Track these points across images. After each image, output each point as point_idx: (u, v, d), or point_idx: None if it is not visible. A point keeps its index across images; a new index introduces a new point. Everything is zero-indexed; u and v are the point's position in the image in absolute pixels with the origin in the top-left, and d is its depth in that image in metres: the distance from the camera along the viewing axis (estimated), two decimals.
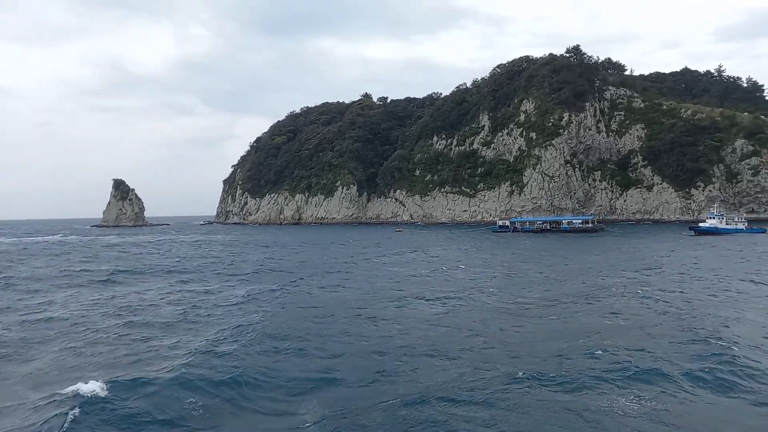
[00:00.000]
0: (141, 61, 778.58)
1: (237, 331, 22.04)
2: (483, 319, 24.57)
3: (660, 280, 35.99)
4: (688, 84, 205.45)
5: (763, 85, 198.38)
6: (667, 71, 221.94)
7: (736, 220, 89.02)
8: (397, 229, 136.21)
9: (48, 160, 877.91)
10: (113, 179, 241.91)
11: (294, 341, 20.49)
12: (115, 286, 38.11)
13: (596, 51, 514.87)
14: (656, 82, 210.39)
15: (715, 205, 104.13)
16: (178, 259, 61.19)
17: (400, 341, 20.41)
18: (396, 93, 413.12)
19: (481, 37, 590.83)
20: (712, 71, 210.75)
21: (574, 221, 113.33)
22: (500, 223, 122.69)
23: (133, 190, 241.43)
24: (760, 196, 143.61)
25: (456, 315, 25.75)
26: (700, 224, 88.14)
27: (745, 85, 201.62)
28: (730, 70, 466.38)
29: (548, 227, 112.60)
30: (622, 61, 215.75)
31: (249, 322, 23.81)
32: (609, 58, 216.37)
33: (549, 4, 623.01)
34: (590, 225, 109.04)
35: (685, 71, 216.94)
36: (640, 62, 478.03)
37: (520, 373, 16.03)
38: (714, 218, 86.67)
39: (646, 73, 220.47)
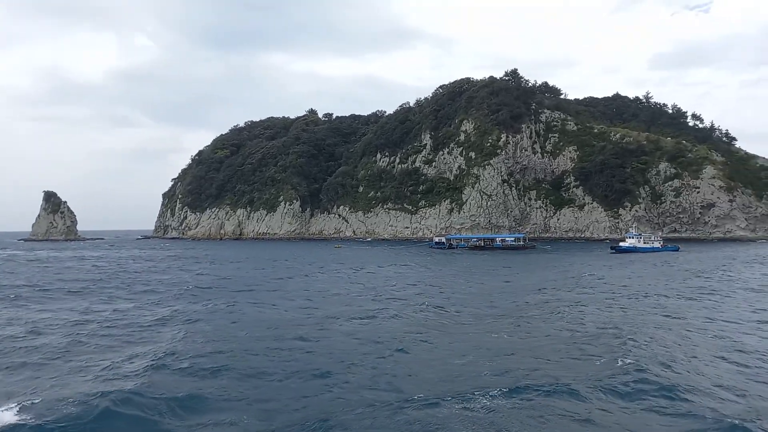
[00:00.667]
0: (82, 71, 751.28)
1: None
2: (401, 333, 25.09)
3: (578, 297, 37.46)
4: (619, 108, 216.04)
5: (686, 112, 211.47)
6: (600, 96, 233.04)
7: (652, 239, 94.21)
8: (336, 246, 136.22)
9: None
10: (44, 191, 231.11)
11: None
12: (22, 304, 36.44)
13: (540, 74, 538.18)
14: (590, 106, 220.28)
15: (633, 226, 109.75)
16: (99, 277, 58.96)
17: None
18: (346, 109, 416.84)
19: (430, 58, 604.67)
20: (641, 97, 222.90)
21: (506, 239, 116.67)
22: (436, 239, 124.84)
23: (65, 202, 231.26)
24: (681, 216, 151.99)
25: (377, 329, 26.18)
26: (621, 243, 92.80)
27: (670, 111, 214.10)
28: (663, 97, 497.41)
29: (482, 244, 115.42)
30: (563, 85, 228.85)
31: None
32: (546, 82, 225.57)
33: (495, 28, 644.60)
34: (521, 243, 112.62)
35: (617, 96, 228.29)
36: (583, 85, 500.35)
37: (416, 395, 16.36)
38: (633, 238, 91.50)
39: (581, 97, 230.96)
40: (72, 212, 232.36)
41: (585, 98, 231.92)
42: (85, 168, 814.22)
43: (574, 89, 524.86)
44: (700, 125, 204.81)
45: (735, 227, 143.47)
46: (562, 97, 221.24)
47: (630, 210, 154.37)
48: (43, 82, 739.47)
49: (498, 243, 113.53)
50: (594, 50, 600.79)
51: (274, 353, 21.75)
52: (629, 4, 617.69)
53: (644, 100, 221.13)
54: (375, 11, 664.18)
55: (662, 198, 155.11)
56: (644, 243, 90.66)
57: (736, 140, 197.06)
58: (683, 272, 55.77)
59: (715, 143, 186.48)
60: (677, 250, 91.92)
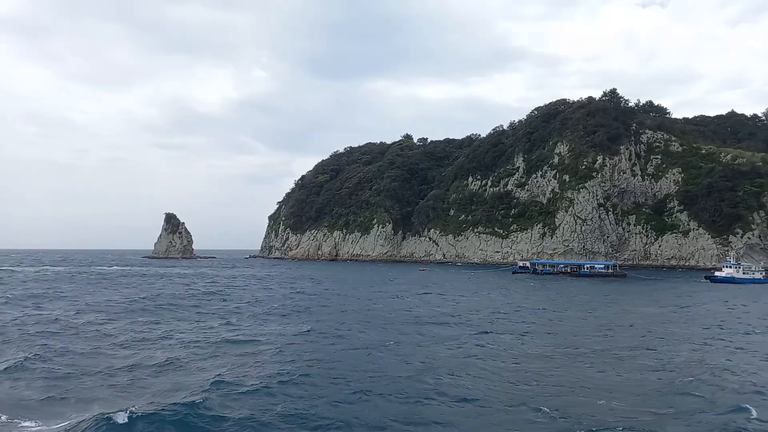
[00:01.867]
0: (204, 101, 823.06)
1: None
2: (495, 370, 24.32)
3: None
4: (734, 127, 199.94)
5: None
6: (713, 114, 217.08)
7: (752, 269, 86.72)
8: (421, 269, 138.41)
9: (112, 194, 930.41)
10: (165, 213, 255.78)
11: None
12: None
13: (651, 91, 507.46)
14: (699, 125, 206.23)
15: (732, 254, 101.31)
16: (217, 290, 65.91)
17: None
18: (447, 133, 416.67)
19: (534, 78, 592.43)
20: (760, 115, 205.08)
21: (595, 266, 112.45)
22: (521, 264, 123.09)
23: (183, 223, 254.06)
24: None
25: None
26: (716, 273, 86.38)
27: None
28: None
29: (568, 270, 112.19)
30: (677, 102, 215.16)
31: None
32: (650, 101, 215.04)
33: (602, 44, 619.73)
34: (611, 270, 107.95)
35: (731, 114, 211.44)
36: (701, 102, 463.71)
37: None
38: (730, 267, 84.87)
39: (691, 115, 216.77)
40: (188, 232, 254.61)
41: (695, 117, 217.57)
42: (203, 191, 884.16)
43: (688, 106, 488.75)
44: None
45: None
46: (667, 116, 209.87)
47: (742, 237, 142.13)
48: (169, 113, 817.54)
49: (585, 270, 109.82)
50: (712, 64, 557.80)
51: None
52: (751, 14, 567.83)
53: (764, 118, 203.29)
54: (477, 33, 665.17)
55: None
56: (743, 273, 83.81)
57: None
58: None
59: None
60: None
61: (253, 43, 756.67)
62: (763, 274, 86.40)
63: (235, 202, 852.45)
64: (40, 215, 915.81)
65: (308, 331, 34.69)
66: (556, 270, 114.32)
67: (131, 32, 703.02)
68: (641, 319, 42.76)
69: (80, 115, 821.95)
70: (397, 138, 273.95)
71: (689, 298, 62.05)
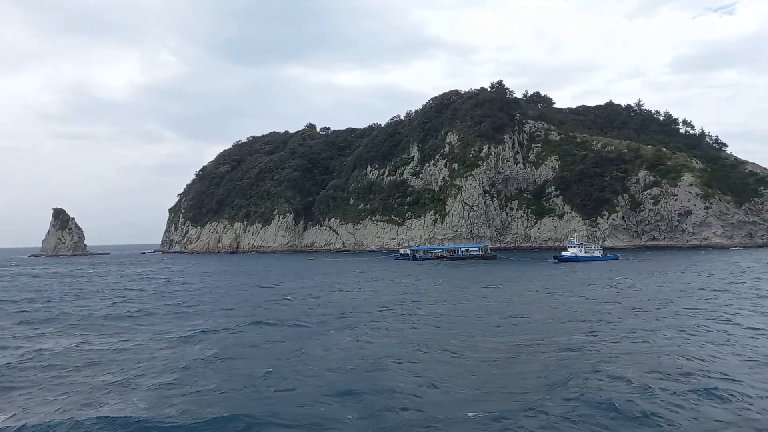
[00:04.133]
0: (107, 87, 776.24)
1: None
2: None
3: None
4: (610, 117, 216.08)
5: (677, 119, 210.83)
6: (594, 104, 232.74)
7: (593, 248, 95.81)
8: (309, 258, 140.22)
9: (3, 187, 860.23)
10: (53, 208, 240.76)
11: None
12: None
13: (560, 80, 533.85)
14: (581, 115, 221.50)
15: (575, 235, 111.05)
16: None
17: None
18: (366, 120, 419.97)
19: (449, 65, 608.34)
20: (633, 105, 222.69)
21: (469, 249, 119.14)
22: (401, 251, 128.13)
23: (73, 219, 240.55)
24: (660, 224, 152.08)
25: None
26: (563, 253, 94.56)
27: (662, 118, 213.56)
28: (686, 101, 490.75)
29: (445, 255, 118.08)
30: (582, 90, 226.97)
31: None
32: (537, 92, 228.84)
33: (513, 34, 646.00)
34: (481, 253, 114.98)
35: (609, 104, 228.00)
36: (603, 91, 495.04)
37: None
38: (574, 247, 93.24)
39: (593, 105, 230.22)
40: (79, 228, 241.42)
41: (578, 107, 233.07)
42: (108, 184, 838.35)
43: (593, 95, 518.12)
44: (691, 132, 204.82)
45: (711, 234, 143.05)
46: (552, 106, 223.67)
47: (607, 218, 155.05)
48: (69, 100, 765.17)
49: (459, 254, 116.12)
50: (613, 55, 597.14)
51: None
52: (647, 8, 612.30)
53: (636, 108, 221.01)
54: (391, 21, 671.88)
55: (641, 206, 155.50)
56: (585, 252, 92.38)
57: (726, 146, 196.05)
58: (577, 282, 58.00)
59: (704, 150, 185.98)
60: (617, 259, 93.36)
61: (159, 25, 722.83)
62: (602, 252, 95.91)
63: (143, 194, 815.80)
64: None
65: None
66: (434, 255, 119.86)
67: (26, 12, 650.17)
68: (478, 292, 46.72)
69: None
70: (322, 125, 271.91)
71: (533, 274, 67.59)
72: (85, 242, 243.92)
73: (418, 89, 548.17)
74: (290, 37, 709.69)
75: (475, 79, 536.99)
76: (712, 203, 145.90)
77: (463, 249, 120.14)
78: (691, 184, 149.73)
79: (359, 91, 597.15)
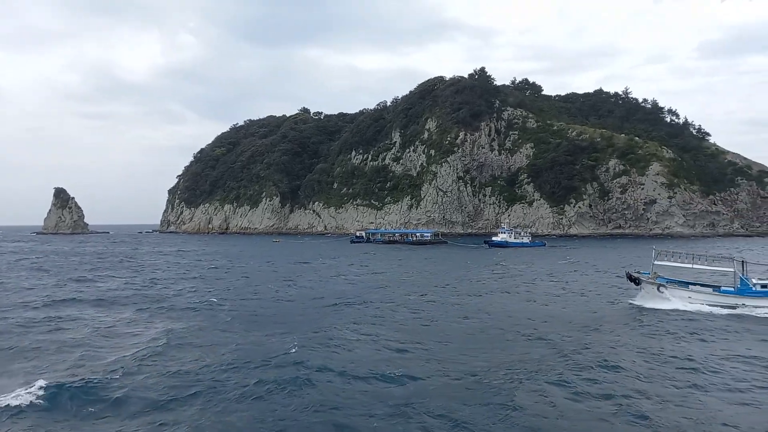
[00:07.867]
0: (128, 68, 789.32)
1: None
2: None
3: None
4: (596, 105, 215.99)
5: (663, 108, 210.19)
6: (583, 92, 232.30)
7: (522, 235, 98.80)
8: (275, 240, 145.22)
9: (31, 164, 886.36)
10: (54, 188, 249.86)
11: None
12: None
13: (583, 64, 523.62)
14: (569, 102, 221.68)
15: (506, 221, 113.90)
16: None
17: None
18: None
19: (469, 49, 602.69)
20: (621, 93, 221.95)
21: (424, 234, 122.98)
22: (357, 234, 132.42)
23: (73, 198, 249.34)
24: (626, 212, 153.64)
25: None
26: (493, 238, 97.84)
27: (648, 106, 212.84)
28: (712, 87, 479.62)
29: (397, 239, 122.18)
30: (604, 76, 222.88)
31: None
32: (525, 79, 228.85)
33: (536, 18, 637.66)
34: (430, 238, 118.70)
35: (598, 92, 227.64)
36: (627, 76, 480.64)
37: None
38: (504, 233, 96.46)
39: (592, 91, 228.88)
40: (79, 207, 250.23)
41: (568, 94, 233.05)
42: (129, 163, 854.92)
43: (616, 80, 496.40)
44: (676, 120, 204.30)
45: (673, 223, 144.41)
46: (541, 93, 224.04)
47: (574, 206, 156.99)
48: (92, 80, 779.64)
49: (409, 238, 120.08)
50: (638, 39, 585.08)
51: None
52: None
53: (624, 96, 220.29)
54: (410, 3, 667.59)
55: (609, 194, 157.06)
56: (514, 238, 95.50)
57: (709, 135, 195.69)
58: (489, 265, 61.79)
59: (685, 139, 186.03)
60: (543, 245, 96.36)
61: (179, 6, 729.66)
62: (530, 238, 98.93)
63: (159, 175, 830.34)
64: None
65: None
66: (388, 239, 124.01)
67: None
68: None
69: None
70: (345, 107, 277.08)
71: (456, 257, 71.28)
72: (86, 220, 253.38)
73: (438, 73, 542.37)
74: (310, 18, 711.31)
75: (495, 63, 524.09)
76: (676, 193, 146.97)
77: (417, 234, 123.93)
78: (657, 174, 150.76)
79: (379, 74, 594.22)
